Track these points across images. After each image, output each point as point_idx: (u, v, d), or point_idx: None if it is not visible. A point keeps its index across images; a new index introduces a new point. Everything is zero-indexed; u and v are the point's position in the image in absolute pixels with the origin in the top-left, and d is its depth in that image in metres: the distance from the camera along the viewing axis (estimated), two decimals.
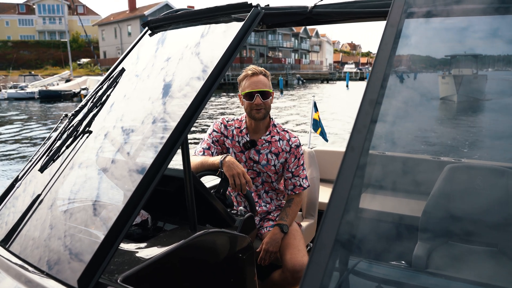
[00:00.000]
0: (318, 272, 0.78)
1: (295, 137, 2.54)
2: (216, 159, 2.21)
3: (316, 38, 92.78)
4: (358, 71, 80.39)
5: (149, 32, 2.15)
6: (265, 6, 1.78)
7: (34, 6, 74.34)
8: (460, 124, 1.46)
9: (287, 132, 2.55)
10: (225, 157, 2.18)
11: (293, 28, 75.85)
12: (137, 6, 66.57)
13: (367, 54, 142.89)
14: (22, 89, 36.16)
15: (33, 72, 53.32)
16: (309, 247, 2.84)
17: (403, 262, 1.26)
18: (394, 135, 1.21)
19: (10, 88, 37.90)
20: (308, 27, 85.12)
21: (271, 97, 2.42)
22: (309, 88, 47.43)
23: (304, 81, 59.39)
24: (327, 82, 62.97)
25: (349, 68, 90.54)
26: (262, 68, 2.44)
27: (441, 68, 1.35)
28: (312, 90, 41.93)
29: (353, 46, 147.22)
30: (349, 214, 0.86)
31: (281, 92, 35.68)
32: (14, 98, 34.38)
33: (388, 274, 1.13)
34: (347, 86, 46.95)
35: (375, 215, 1.17)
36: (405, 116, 1.27)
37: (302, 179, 2.54)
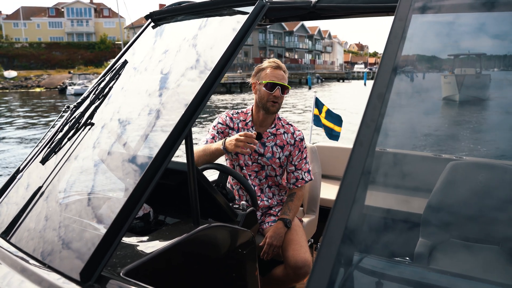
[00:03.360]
0: (326, 267, 0.79)
1: (299, 130, 2.56)
2: (218, 145, 2.23)
3: (329, 39, 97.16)
4: (369, 70, 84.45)
5: (152, 24, 2.13)
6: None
7: (63, 10, 78.51)
8: (464, 123, 1.45)
9: (291, 125, 2.57)
10: (225, 141, 2.20)
11: (308, 30, 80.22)
12: None
13: (374, 54, 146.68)
14: (86, 86, 41.32)
15: (72, 71, 57.76)
16: (310, 242, 2.84)
17: (407, 258, 1.28)
18: (400, 131, 1.20)
19: (70, 85, 43.19)
20: (321, 28, 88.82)
21: (286, 93, 2.43)
22: (329, 85, 52.33)
23: (323, 79, 64.10)
24: (343, 81, 67.65)
25: (359, 68, 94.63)
26: (283, 64, 2.47)
27: (448, 65, 1.33)
28: (332, 88, 47.11)
29: (361, 47, 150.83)
30: (357, 209, 0.86)
31: (309, 88, 40.45)
32: (79, 94, 39.72)
33: (393, 270, 1.13)
34: (364, 84, 51.44)
35: (378, 211, 1.18)
36: (413, 112, 1.26)
37: (305, 172, 2.55)
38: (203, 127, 15.43)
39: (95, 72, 56.29)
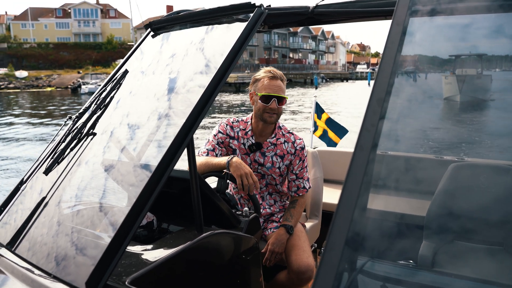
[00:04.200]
0: (330, 272, 0.80)
1: (300, 139, 2.54)
2: (222, 159, 2.21)
3: (332, 40, 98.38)
4: (372, 71, 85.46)
5: (152, 33, 2.16)
6: (267, 6, 1.78)
7: (70, 10, 79.85)
8: (466, 124, 1.45)
9: (292, 134, 2.54)
10: (231, 158, 2.18)
11: (312, 30, 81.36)
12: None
13: (376, 55, 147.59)
14: (99, 85, 42.55)
15: (81, 71, 58.89)
16: (313, 247, 2.84)
17: (411, 261, 1.28)
18: (401, 134, 1.22)
19: (83, 85, 44.69)
20: (325, 29, 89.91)
21: (284, 104, 2.39)
22: (334, 85, 53.55)
23: (328, 79, 65.36)
24: (347, 81, 68.90)
25: (362, 68, 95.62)
26: (280, 72, 2.43)
27: (447, 67, 1.34)
28: (338, 87, 48.26)
29: (363, 47, 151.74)
30: (359, 213, 0.87)
31: (316, 88, 41.70)
32: (93, 92, 40.93)
33: (397, 273, 1.14)
34: (368, 84, 52.63)
35: (381, 214, 1.19)
36: (413, 115, 1.27)
37: (305, 181, 2.54)
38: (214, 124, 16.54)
39: (104, 72, 57.38)
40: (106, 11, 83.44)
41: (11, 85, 52.56)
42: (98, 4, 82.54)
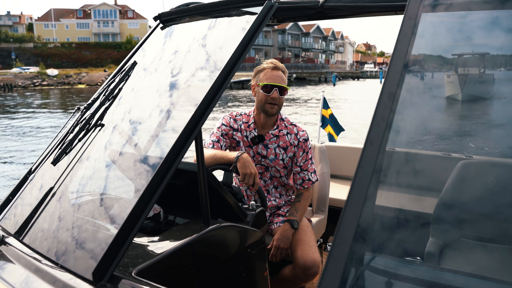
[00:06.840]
0: (337, 267, 0.80)
1: (303, 130, 2.54)
2: (232, 154, 2.23)
3: (341, 40, 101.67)
4: (380, 69, 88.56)
5: (161, 25, 2.16)
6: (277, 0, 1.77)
7: (89, 11, 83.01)
8: (467, 122, 1.47)
9: (295, 126, 2.54)
10: (241, 154, 2.20)
11: (323, 31, 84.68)
12: None
13: (382, 54, 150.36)
14: None
15: (107, 70, 62.21)
16: (319, 242, 2.84)
17: (418, 257, 1.28)
18: (409, 130, 1.22)
19: None
20: (335, 30, 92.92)
21: (285, 94, 2.42)
22: (348, 83, 56.92)
23: (341, 78, 68.74)
24: (358, 79, 72.11)
25: (369, 67, 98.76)
26: (282, 64, 2.44)
27: (457, 63, 1.32)
28: (352, 85, 51.38)
29: (368, 46, 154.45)
30: (368, 209, 0.87)
31: (334, 85, 45.23)
32: None
33: (403, 269, 1.15)
34: (380, 81, 55.85)
35: (389, 210, 1.19)
36: (422, 111, 1.27)
37: (311, 173, 2.54)
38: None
39: None
40: (124, 12, 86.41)
41: (44, 82, 55.50)
42: (117, 5, 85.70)
